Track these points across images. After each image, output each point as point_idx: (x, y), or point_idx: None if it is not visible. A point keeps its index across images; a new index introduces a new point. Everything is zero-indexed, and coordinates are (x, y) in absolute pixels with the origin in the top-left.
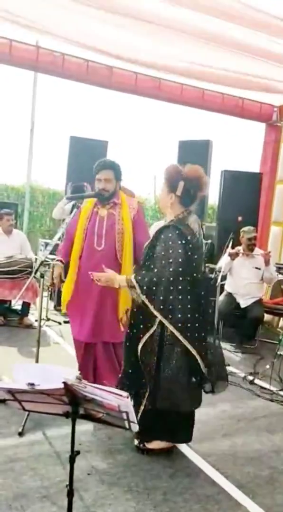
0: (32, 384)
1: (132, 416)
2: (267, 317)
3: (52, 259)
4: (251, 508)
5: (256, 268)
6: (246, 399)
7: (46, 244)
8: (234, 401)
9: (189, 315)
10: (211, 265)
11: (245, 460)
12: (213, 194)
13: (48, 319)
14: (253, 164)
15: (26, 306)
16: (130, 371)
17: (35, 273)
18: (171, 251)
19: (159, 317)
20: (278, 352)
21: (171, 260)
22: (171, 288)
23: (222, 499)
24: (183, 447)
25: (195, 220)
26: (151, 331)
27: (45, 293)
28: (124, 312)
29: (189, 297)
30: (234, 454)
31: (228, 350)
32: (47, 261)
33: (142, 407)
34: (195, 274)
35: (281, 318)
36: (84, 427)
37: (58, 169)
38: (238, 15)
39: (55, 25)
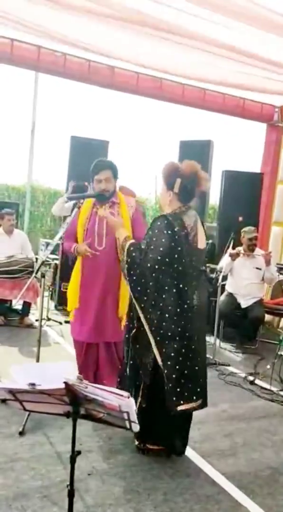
0: (33, 384)
1: (133, 416)
2: (267, 317)
3: (53, 259)
4: (251, 508)
5: (257, 268)
6: (247, 400)
7: (47, 244)
8: (235, 401)
9: (161, 307)
10: (212, 265)
11: (245, 461)
12: (214, 194)
13: (48, 319)
14: (254, 164)
15: (26, 306)
16: (131, 362)
17: (36, 273)
18: (154, 239)
19: (132, 296)
20: (279, 353)
21: (152, 247)
22: (147, 274)
23: (223, 499)
24: None
25: (192, 215)
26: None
27: (46, 293)
28: (125, 311)
29: (166, 288)
30: (234, 454)
31: (229, 350)
32: (48, 261)
33: (137, 404)
34: (176, 266)
35: (282, 319)
36: (85, 427)
37: (59, 169)
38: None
39: (56, 28)
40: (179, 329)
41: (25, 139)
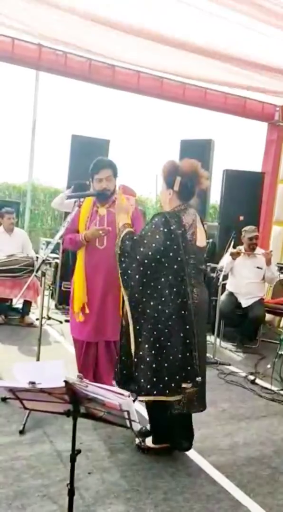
0: (33, 383)
1: (134, 415)
2: (268, 316)
3: (54, 258)
4: (251, 507)
5: (258, 267)
6: (247, 399)
7: (48, 243)
8: (235, 400)
9: (145, 301)
10: (213, 265)
11: (246, 460)
12: (215, 193)
13: (49, 318)
14: (255, 163)
15: (27, 305)
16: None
17: (37, 271)
18: (149, 234)
19: (120, 282)
20: (279, 352)
21: (145, 241)
22: (134, 266)
23: (223, 499)
24: None
25: (192, 213)
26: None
27: (46, 292)
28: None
29: (155, 285)
30: (235, 453)
31: (229, 350)
32: (48, 259)
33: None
34: (170, 263)
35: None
36: (85, 426)
37: (59, 168)
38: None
39: (57, 31)
40: (168, 327)
41: (26, 138)
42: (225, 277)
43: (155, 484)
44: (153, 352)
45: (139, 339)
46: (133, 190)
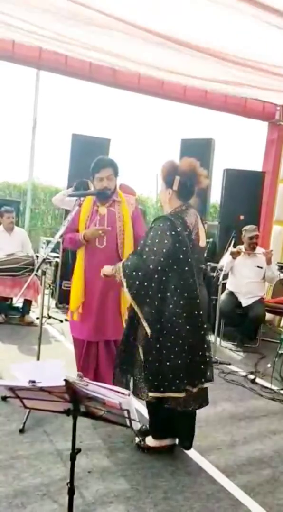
0: (34, 382)
1: (133, 414)
2: (268, 316)
3: (54, 257)
4: (251, 506)
5: (258, 267)
6: (247, 398)
7: (48, 242)
8: (235, 400)
9: (160, 305)
10: (213, 264)
11: (246, 459)
12: (215, 193)
13: (49, 317)
14: (256, 163)
15: (27, 304)
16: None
17: (37, 270)
18: (157, 241)
19: (131, 302)
20: (279, 351)
21: (155, 249)
22: (151, 277)
23: (223, 498)
24: None
25: (193, 214)
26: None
27: (47, 291)
28: (127, 310)
29: (170, 289)
30: (235, 453)
31: (229, 349)
32: (48, 259)
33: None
34: (181, 265)
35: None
36: (85, 425)
37: (60, 167)
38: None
39: (59, 33)
40: (180, 328)
41: (27, 137)
42: (225, 277)
43: (155, 483)
44: (165, 352)
45: (154, 344)
46: (133, 189)
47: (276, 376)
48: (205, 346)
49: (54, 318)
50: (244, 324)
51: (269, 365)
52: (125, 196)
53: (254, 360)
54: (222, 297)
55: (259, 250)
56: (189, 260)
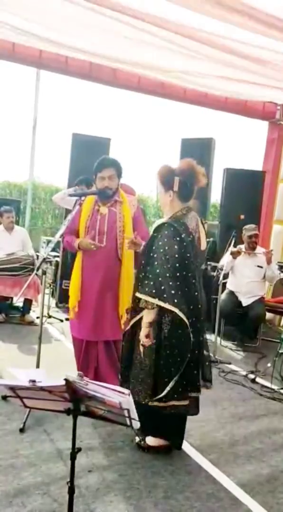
0: (34, 381)
1: (134, 414)
2: (268, 315)
3: (54, 256)
4: (251, 506)
5: (258, 266)
6: (248, 398)
7: (48, 242)
8: (235, 399)
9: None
10: (213, 263)
11: (246, 459)
12: (216, 192)
13: (49, 316)
14: (256, 162)
15: (27, 303)
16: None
17: (37, 270)
18: (167, 248)
19: (171, 308)
20: (280, 351)
21: (168, 257)
22: (170, 283)
23: (223, 497)
24: (184, 445)
25: (193, 217)
26: (138, 317)
27: (47, 290)
28: (125, 310)
29: (183, 292)
30: (235, 452)
31: (230, 349)
32: (49, 258)
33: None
34: (184, 273)
35: None
36: (85, 424)
37: (60, 166)
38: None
39: (59, 34)
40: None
41: (27, 136)
42: (226, 276)
43: (155, 482)
44: (168, 360)
45: (162, 351)
46: (133, 189)
47: (276, 375)
48: (203, 351)
49: (54, 317)
50: (244, 324)
51: (269, 365)
52: (127, 196)
53: (254, 359)
54: (222, 296)
55: (259, 249)
56: (192, 266)
